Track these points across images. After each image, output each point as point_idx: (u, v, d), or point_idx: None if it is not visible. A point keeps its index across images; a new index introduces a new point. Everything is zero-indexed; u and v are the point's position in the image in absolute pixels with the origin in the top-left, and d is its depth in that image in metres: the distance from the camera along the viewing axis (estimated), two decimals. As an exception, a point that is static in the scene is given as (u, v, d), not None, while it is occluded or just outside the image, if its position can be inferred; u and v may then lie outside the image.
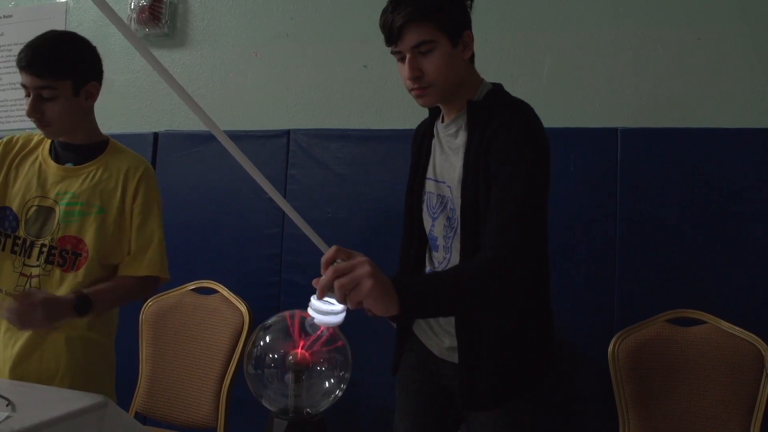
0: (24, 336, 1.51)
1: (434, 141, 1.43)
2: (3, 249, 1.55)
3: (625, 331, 1.82)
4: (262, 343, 1.69)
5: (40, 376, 1.48)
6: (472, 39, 1.32)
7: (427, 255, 1.46)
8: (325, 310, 1.04)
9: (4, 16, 3.04)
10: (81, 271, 1.53)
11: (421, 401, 1.49)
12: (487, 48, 2.21)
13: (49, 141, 1.62)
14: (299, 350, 1.70)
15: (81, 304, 1.42)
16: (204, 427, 2.03)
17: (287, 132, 2.42)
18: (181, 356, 2.11)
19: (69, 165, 1.58)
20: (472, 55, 1.34)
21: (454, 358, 1.34)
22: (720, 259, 1.90)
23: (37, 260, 1.53)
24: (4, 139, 1.64)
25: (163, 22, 2.67)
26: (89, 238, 1.53)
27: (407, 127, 2.11)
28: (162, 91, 2.67)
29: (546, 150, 1.25)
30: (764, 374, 1.66)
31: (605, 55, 2.12)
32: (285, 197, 2.37)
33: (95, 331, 1.56)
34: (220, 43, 2.65)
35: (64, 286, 1.52)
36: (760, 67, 1.97)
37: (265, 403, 1.71)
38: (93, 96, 1.57)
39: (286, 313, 1.84)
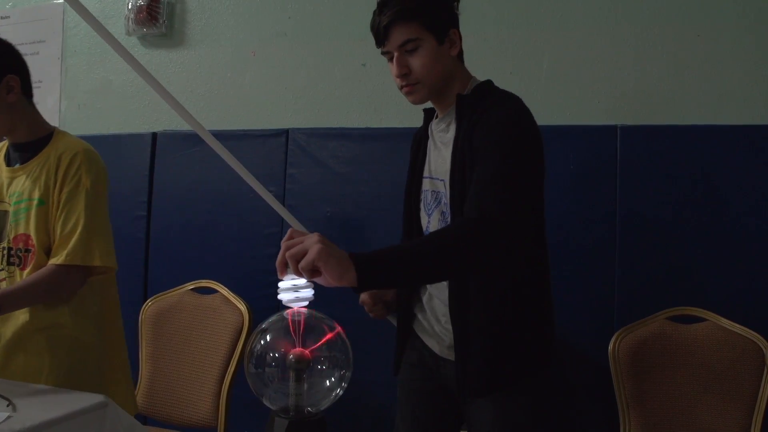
0: (5, 337, 1.50)
1: (429, 141, 1.44)
2: None
3: (625, 328, 1.82)
4: (262, 342, 1.69)
5: (25, 377, 1.46)
6: (459, 36, 1.35)
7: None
8: (289, 287, 1.06)
9: (2, 17, 3.04)
10: (30, 267, 1.50)
11: (422, 400, 1.49)
12: (485, 46, 2.21)
13: (5, 147, 1.62)
14: (299, 349, 1.69)
15: None
16: (204, 426, 2.03)
17: (286, 131, 2.42)
18: (181, 356, 2.11)
19: (17, 165, 1.58)
20: (461, 53, 1.38)
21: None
22: (720, 256, 1.90)
23: (1, 264, 1.53)
24: None
25: (161, 21, 2.66)
26: (33, 231, 1.51)
27: (406, 125, 2.11)
28: (160, 91, 2.67)
29: (530, 129, 1.25)
30: (765, 371, 1.66)
31: (604, 52, 2.12)
32: (284, 196, 2.37)
33: (79, 330, 1.53)
34: (218, 43, 2.64)
35: None
36: (760, 64, 1.97)
37: (266, 402, 1.70)
38: (14, 89, 1.52)
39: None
